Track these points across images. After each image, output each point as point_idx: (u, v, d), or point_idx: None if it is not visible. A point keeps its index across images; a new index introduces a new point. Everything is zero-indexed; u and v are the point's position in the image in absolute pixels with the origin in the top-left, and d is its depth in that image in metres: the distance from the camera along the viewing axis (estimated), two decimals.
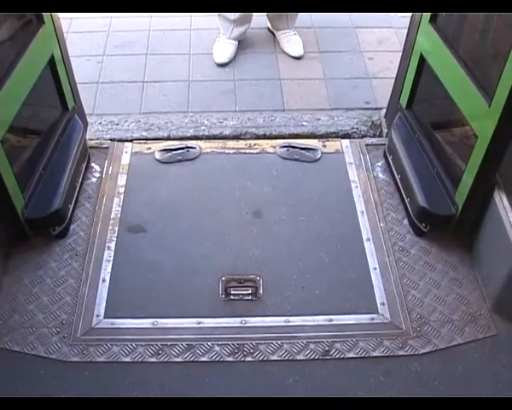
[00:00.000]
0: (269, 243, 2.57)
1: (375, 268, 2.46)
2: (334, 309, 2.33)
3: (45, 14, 2.49)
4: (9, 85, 2.25)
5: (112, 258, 2.49)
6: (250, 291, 2.38)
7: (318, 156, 2.96)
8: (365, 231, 2.60)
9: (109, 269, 2.46)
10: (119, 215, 2.66)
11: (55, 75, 2.66)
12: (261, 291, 2.38)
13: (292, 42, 3.84)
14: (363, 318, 2.32)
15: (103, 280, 2.42)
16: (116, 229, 2.60)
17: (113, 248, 2.53)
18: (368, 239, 2.57)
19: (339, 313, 2.32)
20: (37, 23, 2.48)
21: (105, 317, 2.31)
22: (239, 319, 2.30)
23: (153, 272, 2.45)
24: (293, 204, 2.72)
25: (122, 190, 2.77)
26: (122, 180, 2.82)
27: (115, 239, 2.56)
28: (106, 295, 2.37)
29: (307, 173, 2.89)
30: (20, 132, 2.51)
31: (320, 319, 2.30)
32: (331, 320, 2.30)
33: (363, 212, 2.68)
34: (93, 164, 2.92)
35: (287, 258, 2.51)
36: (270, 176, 2.87)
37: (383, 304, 2.35)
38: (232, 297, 2.36)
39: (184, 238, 2.58)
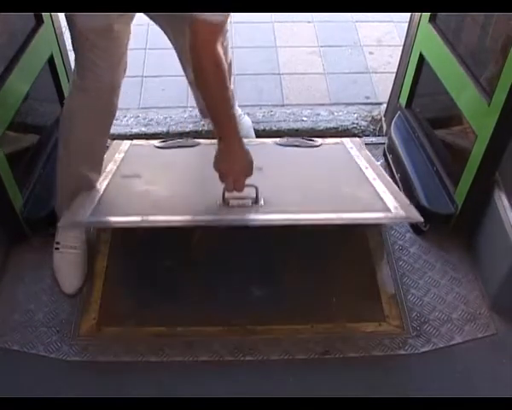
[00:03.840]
0: None
1: None
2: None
3: (45, 14, 2.49)
4: (8, 85, 2.25)
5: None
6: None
7: (318, 143, 2.81)
8: None
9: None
10: None
11: (55, 74, 2.66)
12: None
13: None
14: None
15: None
16: None
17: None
18: None
19: None
20: (37, 23, 2.47)
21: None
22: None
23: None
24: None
25: None
26: None
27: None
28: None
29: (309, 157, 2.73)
30: (19, 131, 2.50)
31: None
32: None
33: None
34: None
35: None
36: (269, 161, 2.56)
37: None
38: None
39: None
